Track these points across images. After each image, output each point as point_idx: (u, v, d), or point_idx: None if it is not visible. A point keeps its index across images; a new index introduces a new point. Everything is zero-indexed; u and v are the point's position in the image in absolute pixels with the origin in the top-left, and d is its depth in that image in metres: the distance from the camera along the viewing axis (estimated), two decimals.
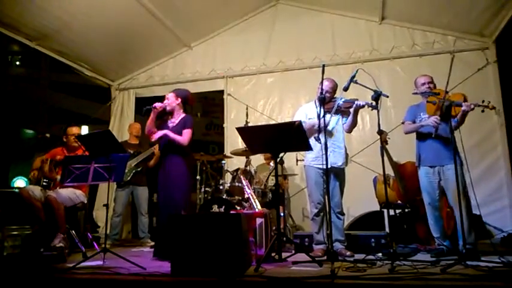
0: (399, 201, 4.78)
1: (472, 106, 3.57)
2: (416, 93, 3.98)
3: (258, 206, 4.51)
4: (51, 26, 5.68)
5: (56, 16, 5.49)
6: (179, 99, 4.41)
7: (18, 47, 17.64)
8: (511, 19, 5.06)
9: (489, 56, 5.72)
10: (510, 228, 5.11)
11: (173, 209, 3.91)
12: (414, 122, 4.06)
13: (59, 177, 4.40)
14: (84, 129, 11.22)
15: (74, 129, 4.73)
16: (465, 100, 3.70)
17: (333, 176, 4.02)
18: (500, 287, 2.38)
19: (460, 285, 2.47)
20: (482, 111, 3.62)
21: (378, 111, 3.51)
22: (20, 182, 14.13)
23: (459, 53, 5.78)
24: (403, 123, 4.20)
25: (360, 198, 5.43)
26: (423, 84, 3.99)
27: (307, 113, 4.23)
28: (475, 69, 5.66)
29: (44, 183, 4.44)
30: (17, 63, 19.25)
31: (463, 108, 3.60)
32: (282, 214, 4.52)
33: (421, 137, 3.99)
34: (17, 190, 5.32)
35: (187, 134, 4.15)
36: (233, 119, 6.81)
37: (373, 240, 4.30)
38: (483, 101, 3.58)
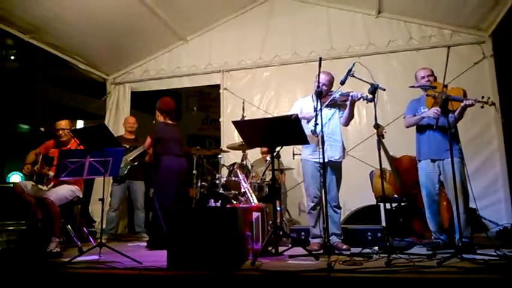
0: (395, 195, 4.79)
1: (472, 102, 3.54)
2: (413, 87, 3.96)
3: (254, 200, 4.50)
4: (44, 19, 5.61)
5: (49, 8, 5.41)
6: (157, 112, 4.87)
7: (12, 41, 17.46)
8: (508, 13, 5.04)
9: (485, 50, 5.72)
10: (505, 222, 5.14)
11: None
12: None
13: (51, 173, 4.37)
14: (80, 124, 11.16)
15: (62, 123, 4.66)
16: (465, 95, 3.68)
17: (330, 169, 4.02)
18: (497, 280, 2.39)
19: (456, 278, 2.47)
20: (482, 107, 3.58)
21: (375, 105, 3.50)
22: (15, 177, 14.04)
23: (455, 46, 5.78)
24: (404, 118, 4.17)
25: (356, 192, 5.44)
26: (423, 77, 3.97)
27: (302, 108, 4.21)
28: (471, 63, 5.66)
29: (37, 179, 4.42)
30: (12, 57, 19.07)
31: (462, 104, 3.59)
32: (278, 208, 4.52)
33: (421, 130, 3.98)
34: (12, 185, 5.29)
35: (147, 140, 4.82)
36: (229, 113, 6.78)
37: (369, 233, 4.31)
38: (483, 97, 3.53)
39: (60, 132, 4.60)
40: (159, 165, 4.65)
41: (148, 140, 4.79)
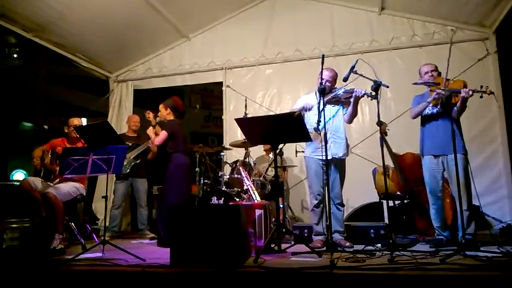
0: (398, 192, 4.78)
1: (470, 92, 3.56)
2: (416, 84, 3.96)
3: (257, 198, 4.51)
4: (47, 17, 5.62)
5: (51, 6, 5.42)
6: (168, 109, 4.81)
7: (15, 39, 17.51)
8: (511, 9, 5.02)
9: (489, 46, 5.69)
10: (509, 219, 5.12)
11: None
12: None
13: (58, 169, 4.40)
14: (83, 122, 11.17)
15: (75, 121, 4.72)
16: (465, 86, 3.68)
17: (333, 167, 4.01)
18: (499, 277, 2.38)
19: (459, 275, 2.46)
20: (481, 96, 3.58)
21: (378, 102, 3.49)
22: (18, 175, 14.14)
23: (459, 43, 5.75)
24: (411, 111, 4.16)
25: (359, 190, 5.42)
26: (426, 72, 3.97)
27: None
28: (475, 60, 5.63)
29: (44, 175, 4.44)
30: (15, 55, 19.13)
31: (462, 94, 3.59)
32: (281, 205, 4.52)
33: (425, 123, 3.97)
34: (16, 183, 5.30)
35: (160, 135, 4.61)
36: (232, 110, 6.79)
37: (372, 231, 4.31)
38: (481, 87, 3.56)
39: (72, 129, 4.63)
40: (173, 162, 4.60)
41: (164, 134, 4.59)
